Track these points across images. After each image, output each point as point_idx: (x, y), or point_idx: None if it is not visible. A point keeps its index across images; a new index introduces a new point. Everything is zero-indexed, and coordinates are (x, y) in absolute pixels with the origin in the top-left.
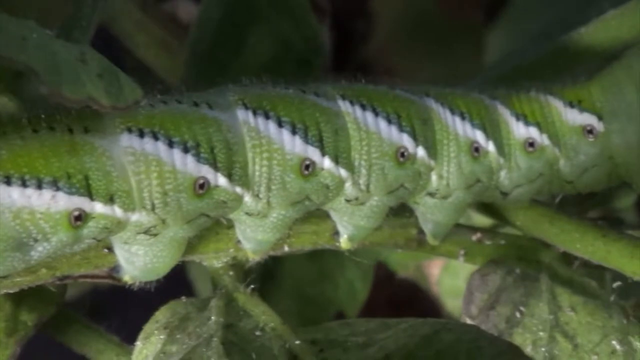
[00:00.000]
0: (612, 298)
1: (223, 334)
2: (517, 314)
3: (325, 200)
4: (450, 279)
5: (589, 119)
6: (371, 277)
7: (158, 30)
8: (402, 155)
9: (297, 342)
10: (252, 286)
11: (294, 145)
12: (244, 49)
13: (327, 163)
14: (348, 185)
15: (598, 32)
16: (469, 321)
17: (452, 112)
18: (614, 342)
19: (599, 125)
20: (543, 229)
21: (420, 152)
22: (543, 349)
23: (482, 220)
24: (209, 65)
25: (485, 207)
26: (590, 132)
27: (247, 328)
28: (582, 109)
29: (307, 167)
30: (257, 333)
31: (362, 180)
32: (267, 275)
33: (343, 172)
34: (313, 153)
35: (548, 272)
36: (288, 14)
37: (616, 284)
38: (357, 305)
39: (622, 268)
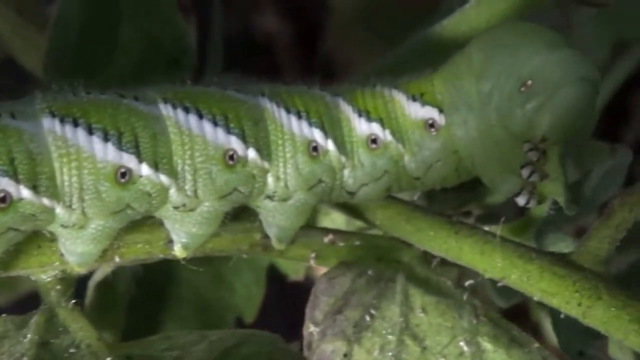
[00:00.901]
0: (465, 297)
1: (35, 352)
2: (367, 318)
3: (150, 208)
4: None
5: (430, 113)
6: (264, 281)
7: (35, 34)
8: (231, 158)
9: (109, 358)
10: (73, 300)
11: (106, 152)
12: (115, 50)
13: (145, 170)
14: (172, 191)
15: (460, 23)
16: (312, 327)
17: (288, 111)
18: (461, 344)
19: (440, 119)
20: (400, 227)
21: (252, 154)
22: (390, 354)
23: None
24: (77, 67)
25: (346, 208)
26: (431, 125)
27: (62, 345)
28: (424, 102)
29: (123, 174)
30: (72, 350)
31: (187, 186)
32: (165, 281)
33: (164, 179)
34: (129, 160)
35: (406, 273)
36: (155, 14)
37: (468, 282)
38: (253, 310)
39: (474, 265)
